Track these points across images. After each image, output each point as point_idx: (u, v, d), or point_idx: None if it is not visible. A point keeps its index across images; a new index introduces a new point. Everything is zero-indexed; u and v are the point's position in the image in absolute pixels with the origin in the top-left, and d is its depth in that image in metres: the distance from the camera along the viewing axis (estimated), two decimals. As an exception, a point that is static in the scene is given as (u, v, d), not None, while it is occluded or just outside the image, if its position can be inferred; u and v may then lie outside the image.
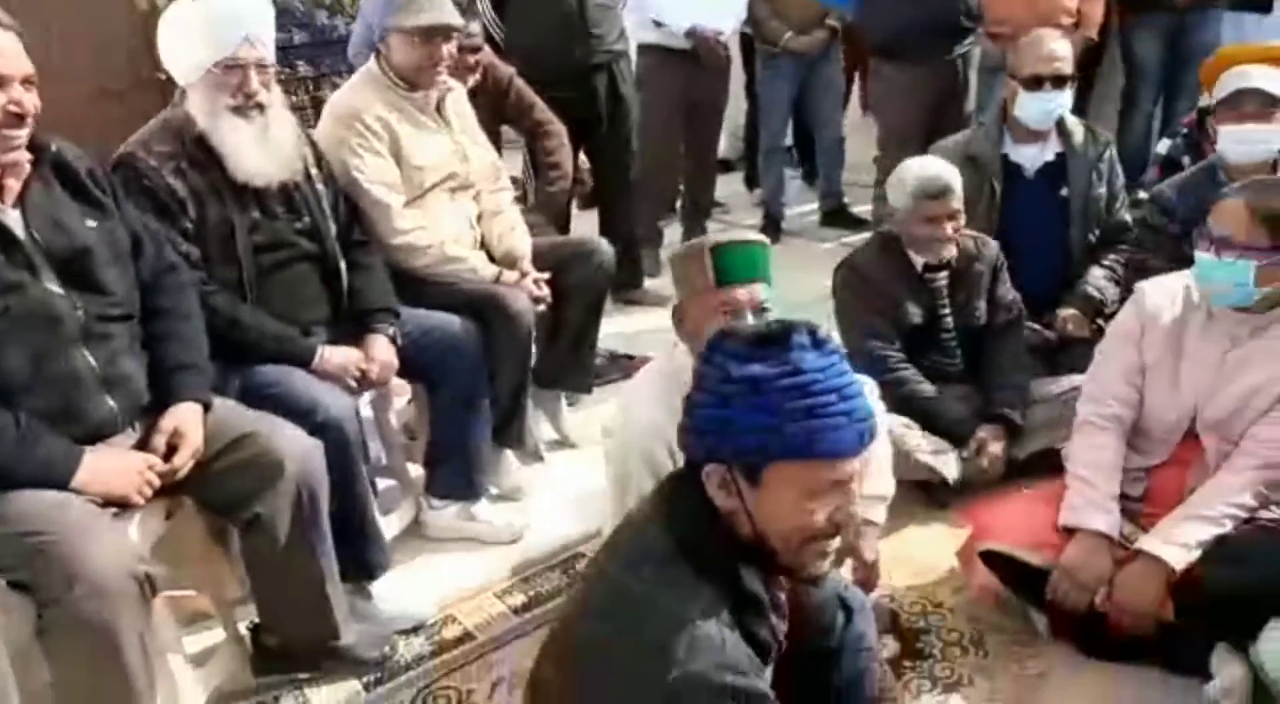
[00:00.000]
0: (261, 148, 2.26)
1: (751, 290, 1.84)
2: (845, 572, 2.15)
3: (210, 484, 1.99)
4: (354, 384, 2.35)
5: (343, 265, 2.47)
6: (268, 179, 2.28)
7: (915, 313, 2.64)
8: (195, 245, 2.22)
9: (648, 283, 4.30)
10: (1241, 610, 1.83)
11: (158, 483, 1.89)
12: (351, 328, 2.44)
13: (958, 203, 2.57)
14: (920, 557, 2.42)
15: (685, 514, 1.29)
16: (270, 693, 2.18)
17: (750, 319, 1.82)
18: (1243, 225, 1.91)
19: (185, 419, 1.96)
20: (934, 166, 2.59)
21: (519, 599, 2.43)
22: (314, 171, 2.45)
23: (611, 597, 1.29)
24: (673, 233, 4.92)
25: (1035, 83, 2.85)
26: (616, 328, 3.77)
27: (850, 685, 1.50)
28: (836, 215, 5.10)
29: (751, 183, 5.71)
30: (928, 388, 2.62)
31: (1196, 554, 1.88)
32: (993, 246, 2.74)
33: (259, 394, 2.19)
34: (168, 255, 2.09)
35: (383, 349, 2.41)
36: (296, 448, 2.03)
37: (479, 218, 2.87)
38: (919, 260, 2.65)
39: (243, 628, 2.24)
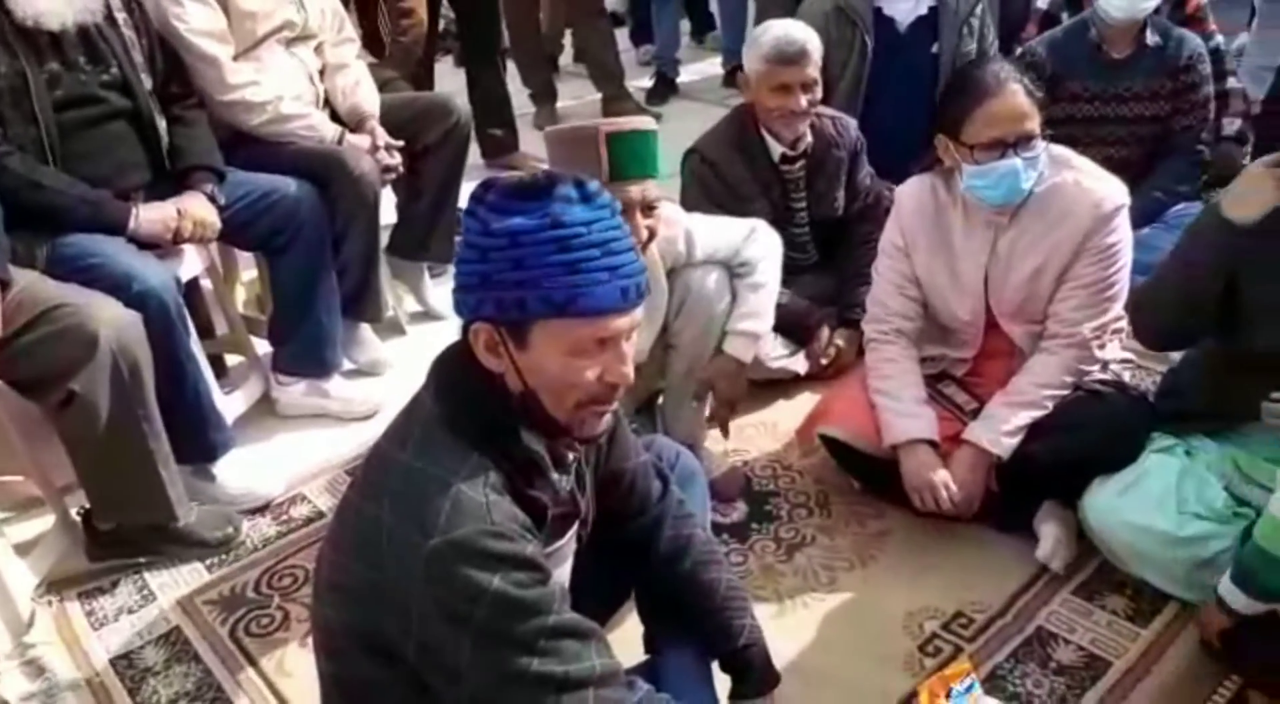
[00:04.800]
0: (49, -16, 2.02)
1: (645, 187, 1.74)
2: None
3: (17, 361, 1.86)
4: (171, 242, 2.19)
5: (161, 123, 2.26)
6: (61, 20, 2.05)
7: (763, 210, 2.47)
8: (-16, 101, 2.00)
9: (530, 144, 4.13)
10: (1066, 476, 1.87)
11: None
12: (174, 191, 2.25)
13: (814, 71, 2.41)
14: (782, 424, 2.43)
15: (452, 379, 1.23)
16: (107, 578, 2.10)
17: (640, 220, 1.74)
18: (1030, 113, 1.84)
19: (-22, 298, 1.80)
20: (790, 30, 2.42)
21: (373, 475, 2.37)
22: (120, 17, 2.21)
23: (377, 470, 1.23)
24: (568, 91, 4.72)
25: None
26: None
27: (674, 554, 1.47)
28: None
29: (637, 38, 5.47)
30: None
31: (1020, 438, 1.89)
32: (852, 130, 2.61)
33: (69, 266, 2.03)
34: None
35: (197, 205, 2.21)
36: (111, 319, 1.90)
37: (321, 72, 2.66)
38: (776, 148, 2.50)
39: (75, 513, 2.14)
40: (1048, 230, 1.92)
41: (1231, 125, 3.05)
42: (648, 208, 1.76)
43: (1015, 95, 1.84)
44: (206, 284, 2.60)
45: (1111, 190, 1.92)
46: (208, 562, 2.13)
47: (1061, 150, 1.97)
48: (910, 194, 2.07)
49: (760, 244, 2.11)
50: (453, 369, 1.24)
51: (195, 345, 2.22)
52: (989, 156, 1.84)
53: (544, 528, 1.24)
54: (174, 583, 2.08)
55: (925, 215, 2.03)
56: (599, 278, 1.14)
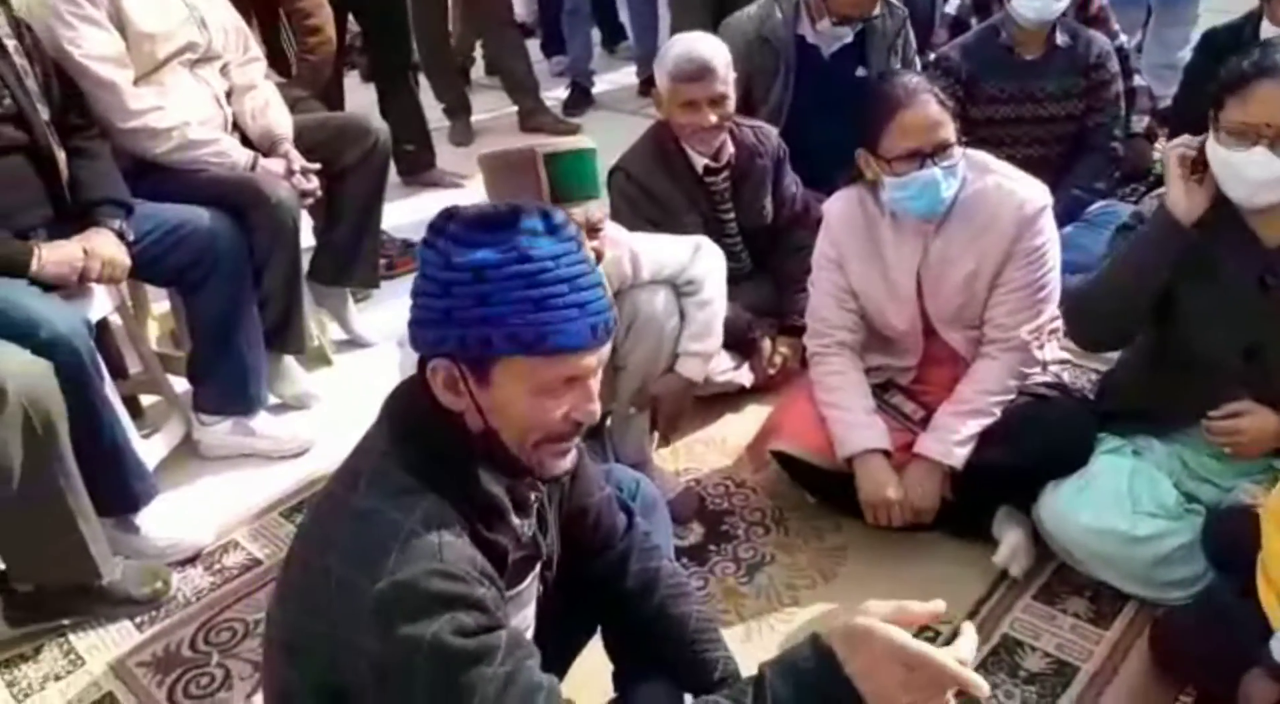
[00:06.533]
0: (-70, 16, 1.88)
1: (588, 209, 1.69)
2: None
3: (-84, 423, 1.72)
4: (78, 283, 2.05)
5: (60, 155, 2.12)
6: (-55, 53, 1.90)
7: (694, 224, 2.45)
8: None
9: (445, 160, 4.03)
10: (1020, 482, 1.88)
11: None
12: (78, 227, 2.11)
13: (722, 86, 2.35)
14: (731, 439, 2.40)
15: (408, 418, 1.16)
16: (29, 644, 1.96)
17: (586, 243, 1.68)
18: (943, 121, 1.85)
19: None
20: (695, 45, 2.36)
21: (309, 516, 2.27)
22: (10, 44, 2.07)
23: (326, 516, 1.16)
24: (481, 104, 4.63)
25: None
26: (409, 214, 3.51)
27: (643, 589, 1.42)
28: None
29: (549, 49, 5.41)
30: None
31: (971, 447, 1.90)
32: (774, 138, 2.59)
33: (-34, 317, 1.88)
34: None
35: (105, 243, 2.08)
36: (19, 369, 1.77)
37: (229, 95, 2.54)
38: (699, 161, 2.47)
39: (-12, 577, 1.99)
40: (975, 236, 1.93)
41: (1140, 122, 3.14)
42: (592, 230, 1.71)
43: (927, 105, 1.84)
44: (116, 320, 2.45)
45: (1034, 192, 1.94)
46: (137, 620, 2.01)
47: (980, 155, 1.99)
48: (838, 207, 2.07)
49: (705, 261, 2.08)
50: (408, 407, 1.17)
51: (110, 390, 2.09)
52: (908, 168, 1.85)
53: (505, 572, 1.18)
54: (103, 645, 1.96)
55: (855, 227, 2.03)
56: (569, 315, 1.08)
